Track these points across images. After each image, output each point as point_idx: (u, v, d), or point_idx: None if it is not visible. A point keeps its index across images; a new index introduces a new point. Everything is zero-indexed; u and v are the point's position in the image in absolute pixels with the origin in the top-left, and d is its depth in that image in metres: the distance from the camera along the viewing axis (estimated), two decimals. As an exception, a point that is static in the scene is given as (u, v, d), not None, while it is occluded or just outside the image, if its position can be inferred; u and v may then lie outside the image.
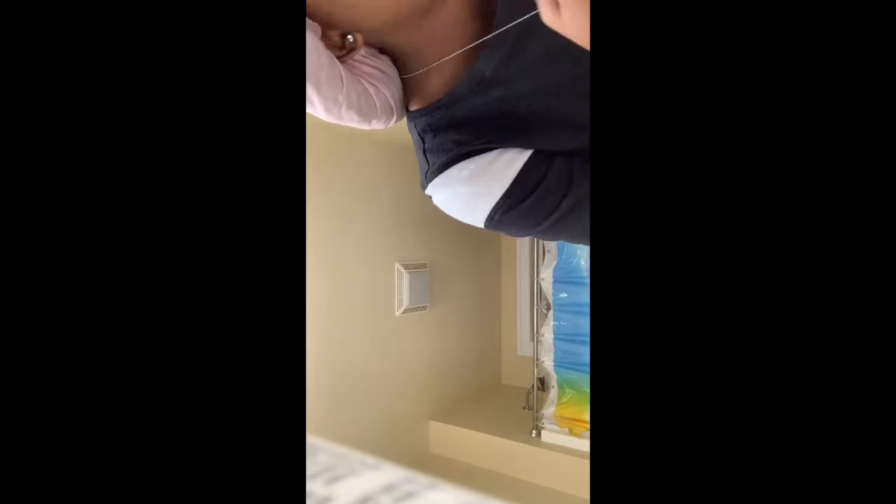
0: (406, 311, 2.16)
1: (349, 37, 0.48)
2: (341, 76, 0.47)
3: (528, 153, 0.49)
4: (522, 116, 0.49)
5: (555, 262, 2.05)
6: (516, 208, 0.48)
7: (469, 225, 0.54)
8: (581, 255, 1.98)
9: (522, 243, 2.70)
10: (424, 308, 2.25)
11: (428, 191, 0.55)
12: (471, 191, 0.50)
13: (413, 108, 0.54)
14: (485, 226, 0.52)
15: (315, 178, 1.76)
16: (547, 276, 2.07)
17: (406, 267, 2.15)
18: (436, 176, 0.52)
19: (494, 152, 0.49)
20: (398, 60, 0.53)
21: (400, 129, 0.60)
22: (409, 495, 0.12)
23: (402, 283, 2.13)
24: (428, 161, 0.53)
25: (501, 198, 0.49)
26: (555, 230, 0.50)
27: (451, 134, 0.51)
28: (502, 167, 0.49)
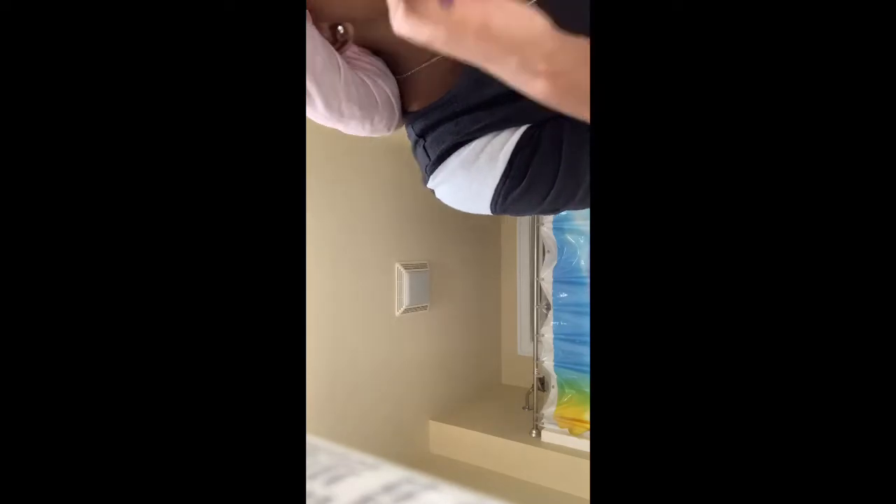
0: (406, 311, 2.15)
1: (340, 28, 0.47)
2: (338, 63, 0.46)
3: (520, 131, 0.48)
4: (515, 100, 0.48)
5: (555, 262, 2.04)
6: (518, 188, 0.47)
7: (469, 225, 0.53)
8: (581, 255, 1.97)
9: (523, 243, 2.70)
10: (424, 308, 2.25)
11: (430, 185, 0.54)
12: (469, 178, 0.49)
13: (411, 109, 0.54)
14: (491, 211, 0.51)
15: (315, 178, 1.76)
16: (547, 276, 2.07)
17: (406, 267, 2.14)
18: (435, 168, 0.52)
19: (488, 136, 0.49)
20: (391, 61, 0.53)
21: (400, 129, 0.60)
22: (409, 495, 0.12)
23: (402, 283, 2.12)
24: (428, 155, 0.52)
25: (500, 180, 0.48)
26: (564, 197, 0.48)
27: (448, 126, 0.50)
28: (496, 149, 0.48)
